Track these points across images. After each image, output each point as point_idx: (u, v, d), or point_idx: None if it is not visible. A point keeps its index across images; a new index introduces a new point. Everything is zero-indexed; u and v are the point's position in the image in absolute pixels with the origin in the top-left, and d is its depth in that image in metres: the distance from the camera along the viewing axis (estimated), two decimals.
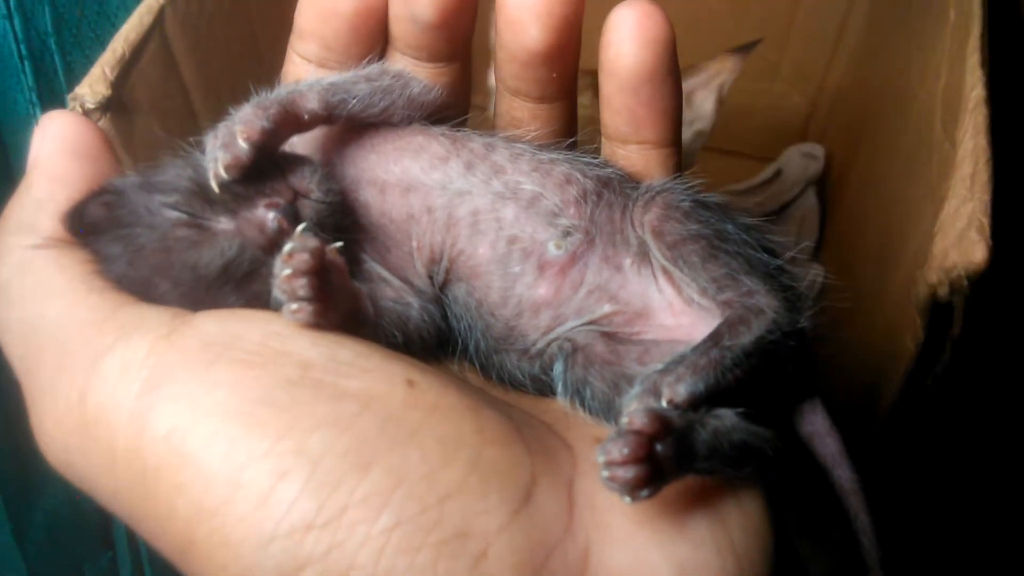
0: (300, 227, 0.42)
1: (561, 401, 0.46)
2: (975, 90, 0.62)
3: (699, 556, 0.38)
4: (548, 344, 0.48)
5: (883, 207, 0.86)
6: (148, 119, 0.67)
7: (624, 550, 0.38)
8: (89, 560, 0.87)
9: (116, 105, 0.62)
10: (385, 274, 0.49)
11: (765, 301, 0.43)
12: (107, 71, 0.62)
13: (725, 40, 1.04)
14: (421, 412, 0.38)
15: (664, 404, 0.39)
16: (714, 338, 0.42)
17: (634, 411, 0.38)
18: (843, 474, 0.47)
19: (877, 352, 0.70)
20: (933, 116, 0.70)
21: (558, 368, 0.47)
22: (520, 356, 0.48)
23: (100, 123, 0.61)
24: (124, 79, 0.64)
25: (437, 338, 0.49)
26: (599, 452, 0.37)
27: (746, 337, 0.42)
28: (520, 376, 0.48)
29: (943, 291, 0.51)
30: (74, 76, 0.79)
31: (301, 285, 0.40)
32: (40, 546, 0.80)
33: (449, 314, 0.50)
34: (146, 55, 0.67)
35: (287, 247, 0.41)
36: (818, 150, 1.18)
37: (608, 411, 0.44)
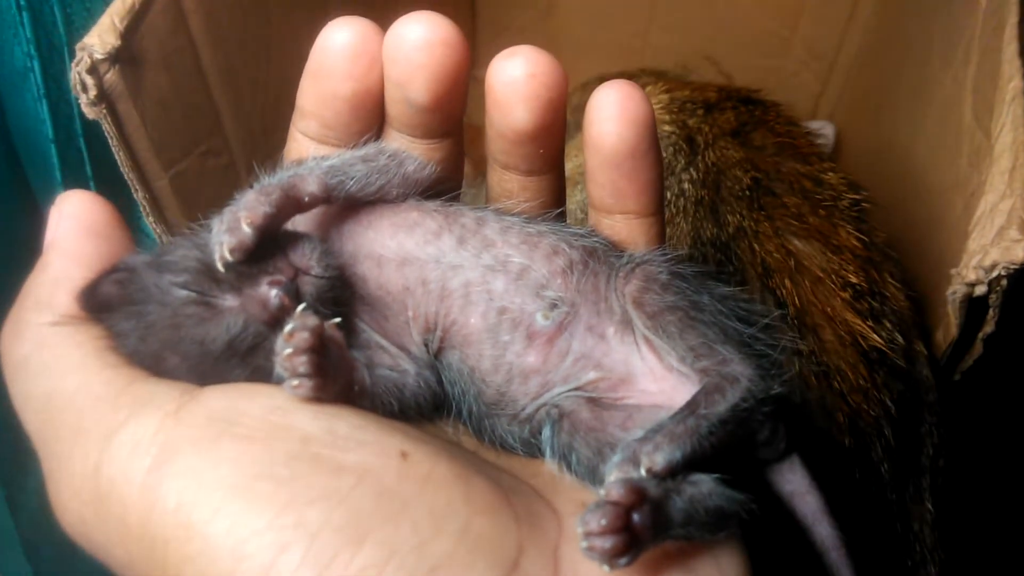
0: (300, 307, 0.44)
1: (549, 464, 0.49)
2: (1013, 81, 0.60)
3: None
4: (537, 409, 0.50)
5: (902, 194, 0.84)
6: (157, 73, 0.66)
7: None
8: None
9: (125, 56, 0.61)
10: (382, 342, 0.51)
11: (739, 369, 0.46)
12: (116, 21, 0.61)
13: (742, 15, 1.02)
14: (414, 484, 0.40)
15: (643, 472, 0.42)
16: (691, 407, 0.44)
17: (612, 483, 0.40)
18: (824, 531, 0.49)
19: None
20: (962, 103, 0.68)
21: (546, 433, 0.49)
22: (510, 420, 0.51)
23: (109, 75, 0.60)
24: (134, 30, 0.62)
25: (433, 403, 0.52)
26: (578, 523, 0.39)
27: (721, 405, 0.44)
28: (511, 440, 0.51)
29: (981, 289, 0.51)
30: (74, 28, 0.77)
31: (301, 362, 0.43)
32: (33, 514, 0.80)
33: (444, 379, 0.52)
34: (155, 7, 0.66)
35: (288, 327, 0.43)
36: (828, 128, 1.16)
37: (593, 475, 0.47)
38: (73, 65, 0.61)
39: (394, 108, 0.53)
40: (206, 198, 0.77)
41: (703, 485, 0.42)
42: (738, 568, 0.43)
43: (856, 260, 0.72)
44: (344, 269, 0.50)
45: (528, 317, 0.50)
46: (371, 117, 0.54)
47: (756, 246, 0.75)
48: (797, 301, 0.69)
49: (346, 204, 0.52)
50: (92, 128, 0.65)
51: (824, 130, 1.15)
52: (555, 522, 0.43)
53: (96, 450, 0.42)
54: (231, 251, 0.44)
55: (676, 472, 0.42)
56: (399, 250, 0.51)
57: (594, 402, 0.49)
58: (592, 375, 0.50)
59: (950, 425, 0.70)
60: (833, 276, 0.70)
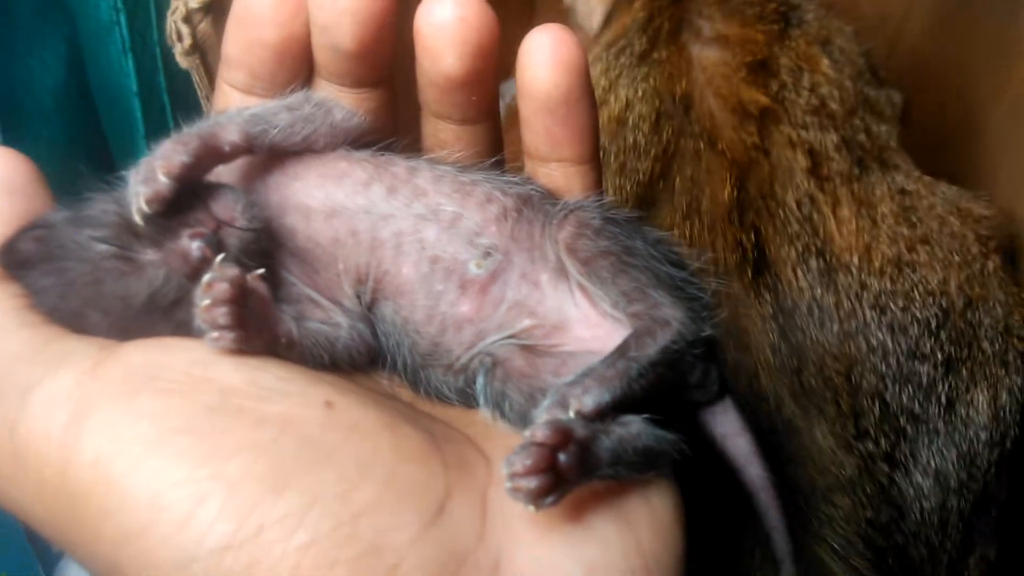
0: (219, 257, 0.43)
1: (483, 413, 0.49)
2: None
3: (607, 557, 0.40)
4: (471, 359, 0.50)
5: (978, 162, 0.82)
6: None
7: (534, 555, 0.40)
8: None
9: (217, 6, 0.62)
10: (314, 295, 0.51)
11: (670, 312, 0.46)
12: None
13: None
14: (339, 433, 0.40)
15: (572, 414, 0.42)
16: (621, 350, 0.44)
17: (538, 424, 0.40)
18: (754, 471, 0.50)
19: None
20: None
21: (480, 382, 0.49)
22: (445, 371, 0.50)
23: (202, 25, 0.62)
24: None
25: (367, 355, 0.51)
26: (503, 464, 0.39)
27: (651, 348, 0.44)
28: (446, 390, 0.51)
29: None
30: None
31: (221, 313, 0.42)
32: None
33: (378, 331, 0.51)
34: None
35: (206, 277, 0.42)
36: (896, 96, 1.08)
37: (525, 422, 0.46)
38: (169, 14, 0.62)
39: (321, 55, 0.52)
40: None
41: (632, 426, 0.43)
42: (670, 506, 0.44)
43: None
44: (270, 221, 0.49)
45: (461, 266, 0.49)
46: (298, 66, 0.53)
47: None
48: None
49: (271, 155, 0.51)
50: (176, 82, 0.65)
51: (892, 97, 1.08)
52: (485, 466, 0.43)
53: (12, 408, 0.41)
54: (148, 202, 0.43)
55: (605, 414, 0.42)
56: (327, 201, 0.50)
57: (528, 350, 0.49)
58: (526, 323, 0.49)
59: None
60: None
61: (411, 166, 0.52)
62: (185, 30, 0.61)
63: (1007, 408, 0.74)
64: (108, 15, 0.75)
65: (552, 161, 0.53)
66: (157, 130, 0.74)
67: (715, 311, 0.48)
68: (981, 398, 0.74)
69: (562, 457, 0.39)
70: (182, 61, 0.63)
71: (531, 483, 0.38)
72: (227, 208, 0.46)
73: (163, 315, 0.45)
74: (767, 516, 0.50)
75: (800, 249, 0.76)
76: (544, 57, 0.49)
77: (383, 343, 0.51)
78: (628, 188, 0.79)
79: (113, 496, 0.37)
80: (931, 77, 1.08)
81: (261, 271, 0.45)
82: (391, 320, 0.51)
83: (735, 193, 0.73)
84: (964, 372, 0.75)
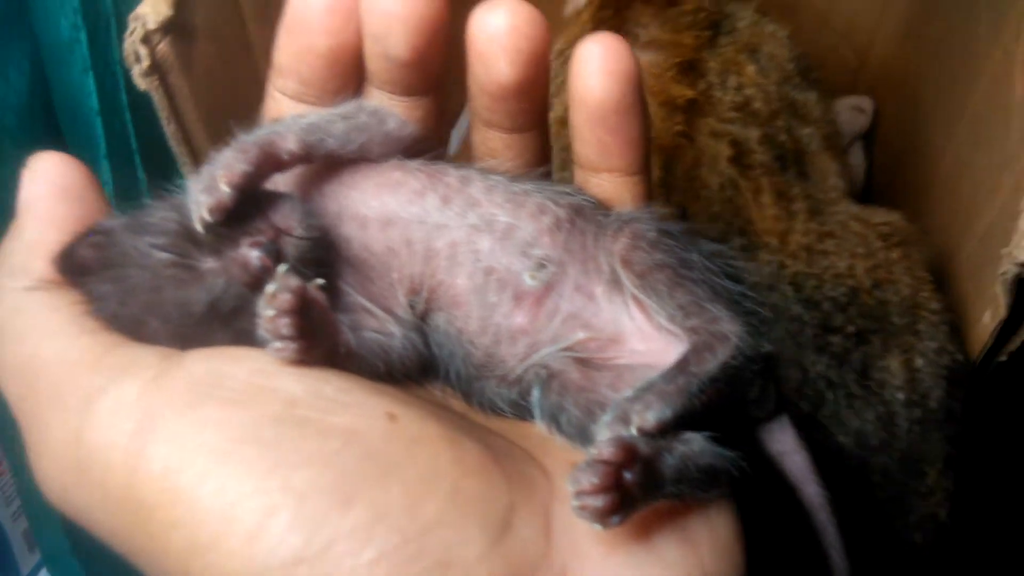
0: (281, 268, 0.44)
1: (539, 426, 0.48)
2: None
3: None
4: (525, 371, 0.49)
5: (945, 170, 0.83)
6: (206, 45, 0.66)
7: (599, 574, 0.39)
8: None
9: (177, 27, 0.61)
10: (367, 304, 0.51)
11: (729, 327, 0.45)
12: None
13: None
14: (402, 445, 0.40)
15: (634, 430, 0.41)
16: (680, 365, 0.44)
17: (603, 441, 0.40)
18: (811, 490, 0.50)
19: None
20: (1011, 78, 0.67)
21: (535, 394, 0.49)
22: (499, 382, 0.50)
23: (161, 46, 0.60)
24: (185, 0, 0.62)
25: (419, 365, 0.51)
26: (569, 482, 0.39)
27: (711, 363, 0.44)
28: (499, 402, 0.50)
29: None
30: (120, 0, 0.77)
31: (284, 324, 0.42)
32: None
33: (431, 342, 0.51)
34: None
35: (269, 288, 0.42)
36: (867, 103, 1.15)
37: (583, 435, 0.46)
38: (127, 35, 0.60)
39: (373, 63, 0.52)
40: None
41: (694, 443, 0.42)
42: (729, 527, 0.43)
43: None
44: (327, 230, 0.49)
45: (515, 277, 0.49)
46: (349, 74, 0.53)
47: None
48: None
49: (327, 163, 0.51)
50: (137, 101, 0.65)
51: (863, 105, 1.14)
52: (546, 482, 0.43)
53: (76, 417, 0.41)
54: (210, 211, 0.43)
55: (666, 430, 0.42)
56: (383, 210, 0.50)
57: (583, 362, 0.49)
58: (581, 335, 0.49)
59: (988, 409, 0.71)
60: None
61: (463, 175, 0.52)
62: (143, 51, 0.60)
63: (923, 371, 0.77)
64: (69, 33, 0.74)
65: (603, 171, 0.53)
66: (119, 149, 0.76)
67: (772, 326, 0.48)
68: (895, 363, 0.78)
69: (627, 475, 0.39)
70: (140, 82, 0.62)
71: (598, 501, 0.38)
72: (285, 217, 0.46)
73: (222, 323, 0.45)
74: (824, 534, 0.49)
75: (723, 227, 0.82)
76: (596, 66, 0.49)
77: (436, 353, 0.51)
78: (567, 179, 0.84)
79: (182, 507, 0.37)
80: (900, 88, 1.09)
81: (321, 281, 0.45)
82: (444, 330, 0.51)
83: (662, 175, 0.77)
84: (876, 342, 0.79)
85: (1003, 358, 0.59)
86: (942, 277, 0.76)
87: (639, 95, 0.50)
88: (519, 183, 0.52)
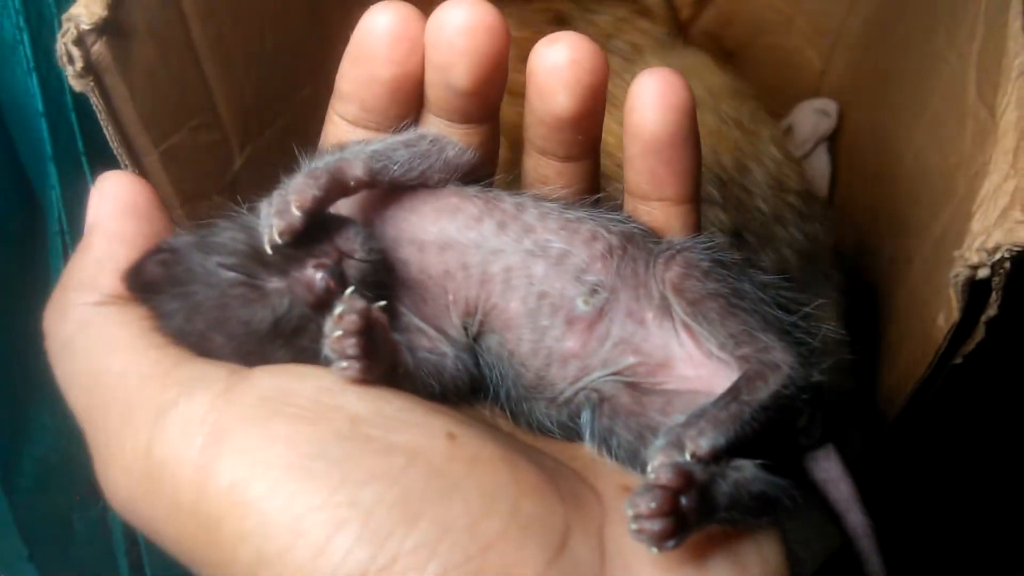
0: (349, 290, 0.45)
1: (589, 448, 0.49)
2: (1019, 58, 0.58)
3: None
4: (575, 393, 0.51)
5: (905, 173, 0.83)
6: (145, 46, 0.65)
7: None
8: (79, 510, 0.84)
9: (113, 27, 0.60)
10: (422, 325, 0.52)
11: (781, 357, 0.46)
12: None
13: None
14: (462, 465, 0.41)
15: (687, 456, 0.42)
16: (733, 393, 0.45)
17: (660, 466, 0.41)
18: (855, 519, 0.50)
19: (898, 328, 0.71)
20: (967, 80, 0.67)
21: (585, 417, 0.50)
22: (549, 404, 0.51)
23: (96, 47, 0.59)
24: (121, 0, 0.61)
25: (470, 385, 0.52)
26: (627, 505, 0.40)
27: (763, 392, 0.45)
28: (548, 423, 0.51)
29: (984, 272, 0.50)
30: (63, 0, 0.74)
31: (350, 344, 0.43)
32: (28, 494, 0.79)
33: (482, 363, 0.53)
34: None
35: (337, 309, 0.44)
36: (831, 106, 1.15)
37: (634, 459, 0.47)
38: (59, 36, 0.59)
39: (434, 92, 0.53)
40: (197, 174, 0.75)
41: (746, 470, 0.43)
42: (778, 553, 0.44)
43: None
44: (386, 253, 0.51)
45: (568, 302, 0.50)
46: (410, 101, 0.54)
47: None
48: None
49: (388, 189, 0.52)
50: (83, 102, 0.64)
51: (827, 108, 1.14)
52: (598, 504, 0.44)
53: (147, 429, 0.42)
54: (280, 234, 0.45)
55: (719, 457, 0.43)
56: (441, 235, 0.52)
57: (633, 387, 0.50)
58: (631, 360, 0.50)
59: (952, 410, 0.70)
60: None
61: (518, 202, 0.53)
62: (76, 52, 0.58)
63: (791, 263, 0.78)
64: (11, 33, 0.74)
65: (654, 200, 0.54)
66: (65, 151, 0.75)
67: (823, 357, 0.48)
68: (767, 260, 0.77)
69: (683, 500, 0.40)
70: (75, 84, 0.60)
71: (655, 525, 0.39)
72: (348, 240, 0.47)
73: (285, 341, 0.47)
74: (867, 563, 0.50)
75: None
76: (652, 99, 0.50)
77: (486, 374, 0.53)
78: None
79: (250, 520, 0.38)
80: (864, 90, 1.08)
81: (383, 303, 0.47)
82: (496, 352, 0.52)
83: (509, 155, 0.77)
84: (750, 239, 0.80)
85: (958, 360, 0.59)
86: (902, 280, 0.75)
87: (693, 127, 0.51)
88: (572, 210, 0.53)
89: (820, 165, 1.13)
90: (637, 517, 0.39)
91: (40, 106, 0.74)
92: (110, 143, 0.66)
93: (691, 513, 0.40)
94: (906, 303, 0.72)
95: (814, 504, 0.50)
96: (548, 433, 0.52)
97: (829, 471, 0.51)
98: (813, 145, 1.15)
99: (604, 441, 0.48)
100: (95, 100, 0.62)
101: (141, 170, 0.69)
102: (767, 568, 0.43)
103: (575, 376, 0.51)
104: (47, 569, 0.80)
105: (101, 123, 0.65)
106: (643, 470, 0.46)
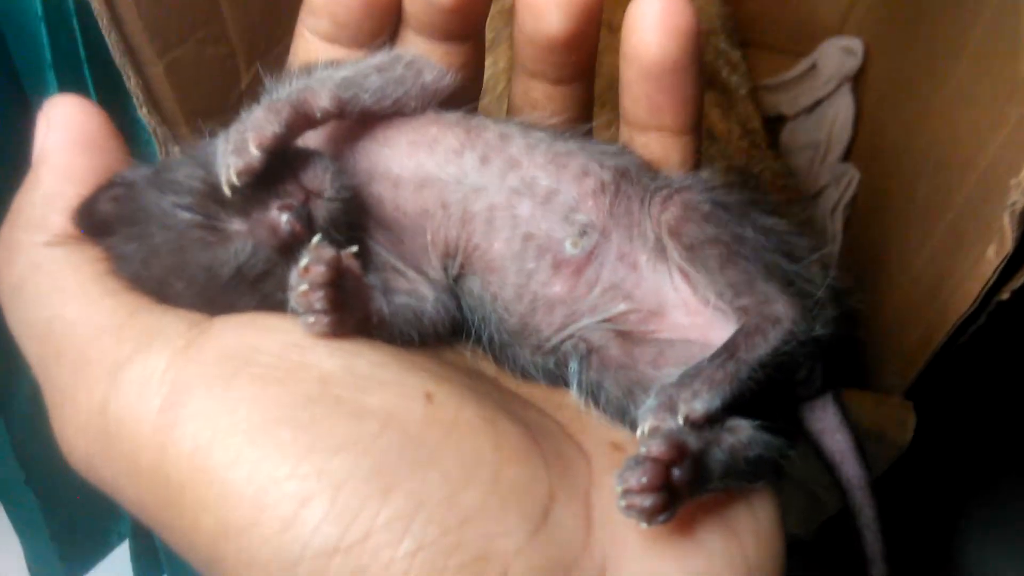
0: (316, 238, 0.41)
1: (575, 400, 0.47)
2: None
3: (714, 568, 0.39)
4: (562, 341, 0.48)
5: (942, 108, 0.80)
6: None
7: (640, 565, 0.39)
8: None
9: None
10: (398, 264, 0.49)
11: (782, 310, 0.43)
12: None
13: None
14: (440, 430, 0.38)
15: (680, 420, 0.40)
16: (730, 349, 0.42)
17: (651, 435, 0.38)
18: (850, 470, 0.48)
19: (939, 263, 0.69)
20: (1018, 6, 0.64)
21: (573, 367, 0.47)
22: (533, 351, 0.48)
23: None
24: None
25: (451, 328, 0.50)
26: (616, 479, 0.37)
27: (762, 348, 0.42)
28: (533, 370, 0.49)
29: None
30: None
31: (318, 298, 0.40)
32: (24, 420, 0.77)
33: (463, 305, 0.49)
34: None
35: (303, 261, 0.40)
36: (856, 44, 1.10)
37: (623, 416, 0.45)
38: None
39: (413, 6, 0.49)
40: (203, 90, 0.72)
41: (742, 432, 0.41)
42: (772, 513, 0.42)
43: None
44: (358, 190, 0.47)
45: (556, 244, 0.47)
46: (386, 16, 0.49)
47: None
48: None
49: (359, 118, 0.48)
50: (85, 7, 0.61)
51: (852, 47, 1.10)
52: (585, 465, 0.42)
53: (102, 385, 0.39)
54: (238, 175, 0.41)
55: (714, 420, 0.40)
56: (418, 170, 0.47)
57: (623, 336, 0.47)
58: (622, 307, 0.47)
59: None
60: None
61: (503, 132, 0.49)
62: None
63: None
64: None
65: (651, 130, 0.50)
66: (66, 58, 0.70)
67: (827, 308, 0.45)
68: None
69: (676, 472, 0.37)
70: None
71: (646, 501, 0.36)
72: (316, 178, 0.43)
73: (249, 287, 0.43)
74: (860, 514, 0.48)
75: None
76: (653, 22, 0.46)
77: (468, 317, 0.50)
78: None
79: (213, 489, 0.36)
80: (892, 27, 1.04)
81: (355, 249, 0.43)
82: (478, 295, 0.49)
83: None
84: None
85: (1005, 296, 0.57)
86: (938, 218, 0.73)
87: (696, 54, 0.47)
88: (562, 141, 0.49)
89: (843, 106, 1.09)
90: (627, 492, 0.37)
91: (39, 9, 0.69)
92: (112, 52, 0.63)
93: (683, 485, 0.37)
94: (943, 241, 0.70)
95: None
96: (533, 379, 0.49)
97: (826, 421, 0.48)
98: (837, 84, 1.10)
99: (592, 395, 0.46)
100: (97, 5, 0.60)
101: (145, 82, 0.67)
102: (760, 530, 0.41)
103: (562, 323, 0.48)
104: (44, 493, 0.80)
105: (103, 31, 0.62)
106: (632, 427, 0.43)
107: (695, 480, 0.38)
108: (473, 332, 0.50)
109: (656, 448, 0.37)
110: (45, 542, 0.85)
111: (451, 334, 0.50)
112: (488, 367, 0.51)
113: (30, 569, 0.87)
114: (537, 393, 0.48)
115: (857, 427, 0.48)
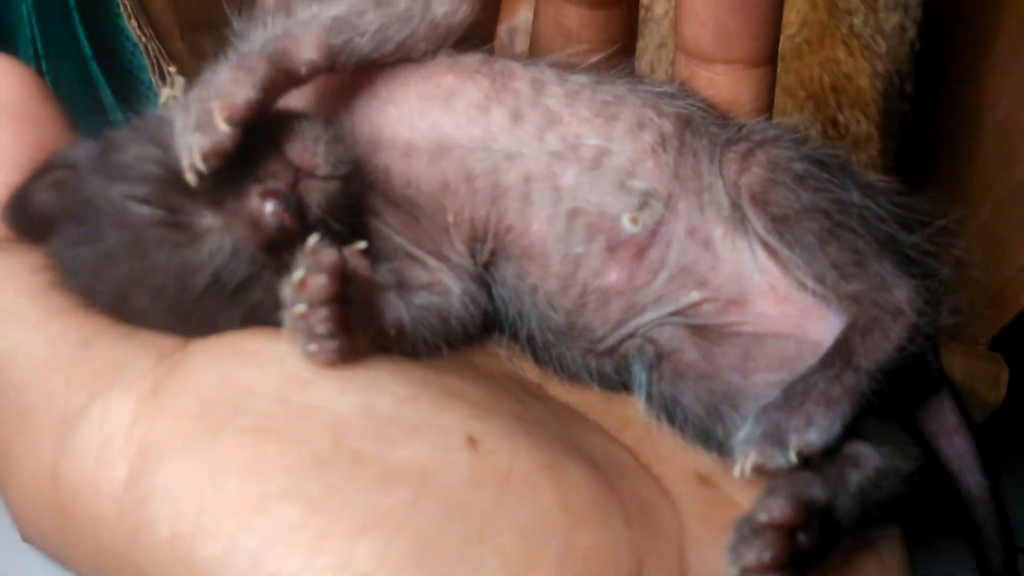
0: (312, 239, 0.32)
1: (643, 417, 0.38)
2: None
3: None
4: (621, 341, 0.39)
5: (991, 68, 0.76)
6: None
7: None
8: None
9: None
10: (414, 250, 0.39)
11: (905, 296, 0.34)
12: None
13: None
14: (492, 489, 0.30)
15: (792, 456, 0.31)
16: (844, 354, 0.33)
17: (771, 498, 0.30)
18: (972, 479, 0.40)
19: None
20: None
21: (639, 376, 0.38)
22: (584, 353, 0.39)
23: None
24: None
25: (483, 325, 0.41)
26: (729, 556, 0.29)
27: (884, 349, 0.34)
28: (585, 374, 0.40)
29: None
30: None
31: (320, 319, 0.31)
32: None
33: (495, 296, 0.40)
34: None
35: (297, 272, 0.31)
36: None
37: (706, 438, 0.36)
38: None
39: None
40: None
41: (867, 463, 0.32)
42: (900, 557, 0.34)
43: None
44: (359, 162, 0.37)
45: (610, 222, 0.38)
46: None
47: None
48: None
49: (356, 70, 0.38)
50: None
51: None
52: (672, 514, 0.33)
53: (50, 446, 0.31)
54: (204, 158, 0.31)
55: (834, 450, 0.32)
56: (432, 133, 0.38)
57: (699, 334, 0.38)
58: (694, 296, 0.38)
59: None
60: None
61: (536, 78, 0.39)
62: None
63: None
64: None
65: (719, 63, 0.41)
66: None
67: (955, 291, 0.36)
68: None
69: (802, 538, 0.29)
70: None
71: None
72: (305, 151, 0.34)
73: (230, 298, 0.34)
74: (984, 531, 0.41)
75: None
76: None
77: (501, 311, 0.41)
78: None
79: None
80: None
81: (363, 245, 0.34)
82: (513, 286, 0.40)
83: None
84: None
85: None
86: None
87: None
88: (608, 85, 0.40)
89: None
90: (745, 571, 0.28)
91: None
92: None
93: (811, 553, 0.29)
94: None
95: None
96: (585, 383, 0.40)
97: (942, 422, 0.40)
98: None
99: (666, 412, 0.37)
100: None
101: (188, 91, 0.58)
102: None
103: (619, 319, 0.39)
104: None
105: None
106: (720, 452, 0.35)
107: (824, 543, 0.30)
108: (507, 329, 0.41)
109: (778, 510, 0.29)
110: None
111: (481, 331, 0.41)
112: (528, 367, 0.42)
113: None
114: (592, 400, 0.40)
115: None
